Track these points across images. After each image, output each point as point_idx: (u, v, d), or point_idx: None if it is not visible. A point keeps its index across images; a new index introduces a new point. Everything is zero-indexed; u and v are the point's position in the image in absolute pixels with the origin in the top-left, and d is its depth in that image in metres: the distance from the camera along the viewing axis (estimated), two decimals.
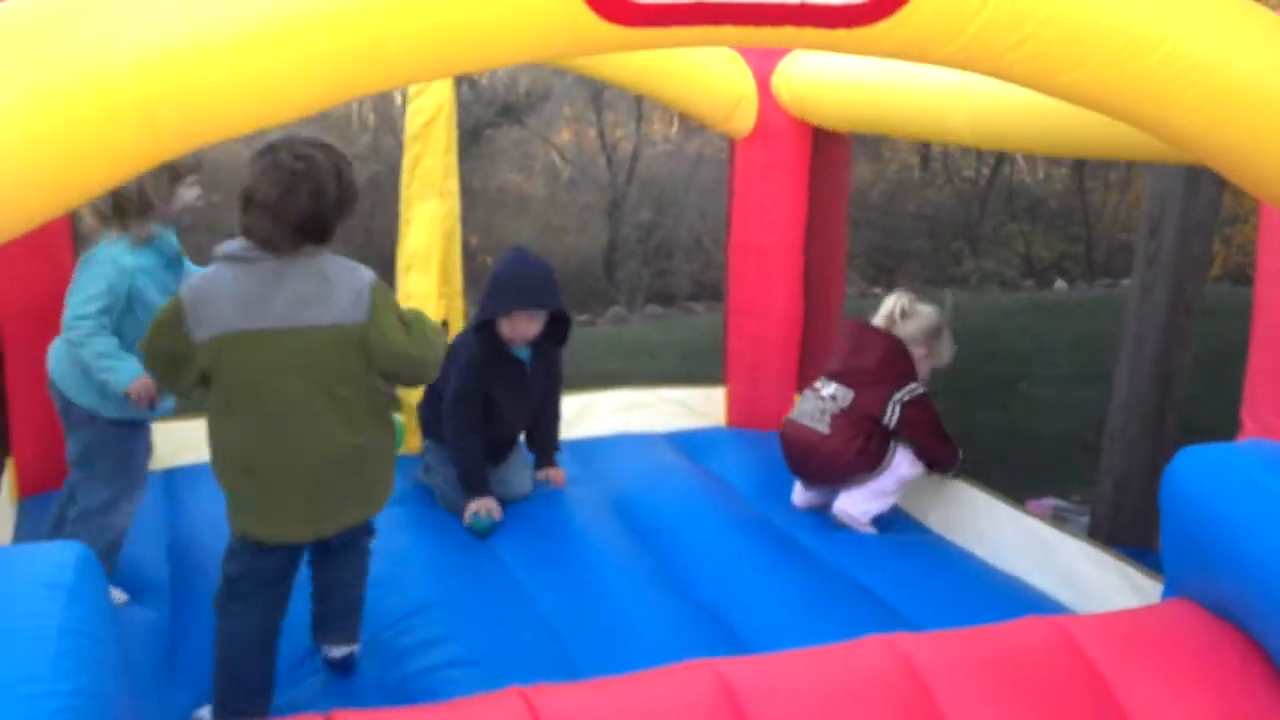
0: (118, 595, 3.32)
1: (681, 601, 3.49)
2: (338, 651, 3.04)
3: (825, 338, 4.89)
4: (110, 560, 3.32)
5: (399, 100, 20.05)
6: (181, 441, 4.51)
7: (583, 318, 12.01)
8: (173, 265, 3.39)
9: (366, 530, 2.98)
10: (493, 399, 4.10)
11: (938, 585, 3.53)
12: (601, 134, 17.38)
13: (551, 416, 4.37)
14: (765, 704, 2.20)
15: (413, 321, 2.72)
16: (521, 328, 4.01)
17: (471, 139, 15.92)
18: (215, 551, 2.90)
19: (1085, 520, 4.99)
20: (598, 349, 8.81)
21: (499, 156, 17.79)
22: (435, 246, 4.51)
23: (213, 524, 3.79)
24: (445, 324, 4.66)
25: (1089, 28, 2.17)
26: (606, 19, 2.03)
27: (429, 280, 4.51)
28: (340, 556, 2.96)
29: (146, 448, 3.50)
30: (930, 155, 18.01)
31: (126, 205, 3.22)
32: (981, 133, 3.65)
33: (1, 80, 1.79)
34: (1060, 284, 12.96)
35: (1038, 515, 4.39)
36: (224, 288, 2.59)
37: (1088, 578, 3.46)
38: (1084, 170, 15.73)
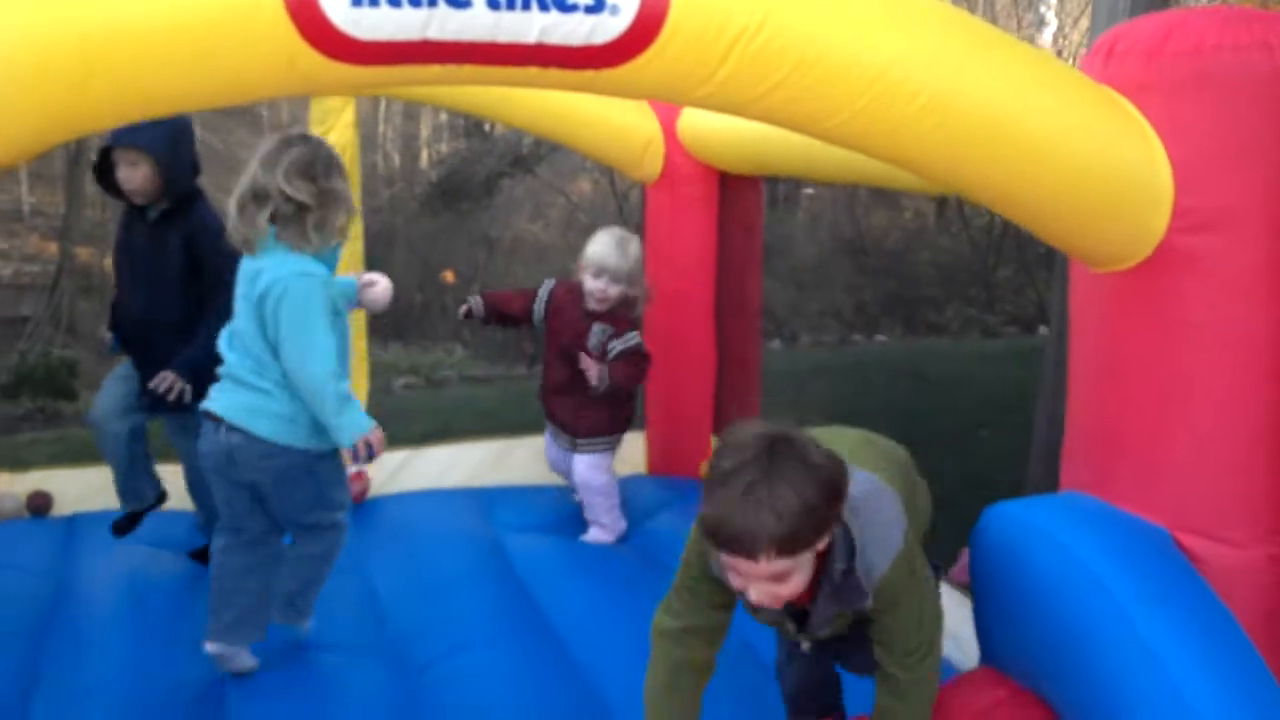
0: None
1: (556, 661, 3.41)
2: None
3: (742, 380, 4.82)
4: None
5: (425, 155, 20.42)
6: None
7: None
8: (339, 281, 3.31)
9: None
10: (117, 269, 3.89)
11: None
12: (613, 182, 17.44)
13: (195, 334, 3.66)
14: None
15: None
16: (125, 174, 3.66)
17: (485, 190, 16.05)
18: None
19: None
20: None
21: (513, 207, 17.95)
22: None
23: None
24: None
25: (843, 74, 2.11)
26: (329, 57, 1.99)
27: None
28: None
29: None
30: (946, 203, 17.93)
31: (326, 208, 3.08)
32: (876, 172, 3.56)
33: None
34: (1044, 330, 12.75)
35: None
36: None
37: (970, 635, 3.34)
38: None
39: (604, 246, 4.17)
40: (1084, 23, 15.48)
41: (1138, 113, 2.25)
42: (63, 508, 4.54)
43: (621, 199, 17.12)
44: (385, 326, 11.16)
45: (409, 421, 7.71)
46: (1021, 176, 2.22)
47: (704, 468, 2.11)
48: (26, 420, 9.22)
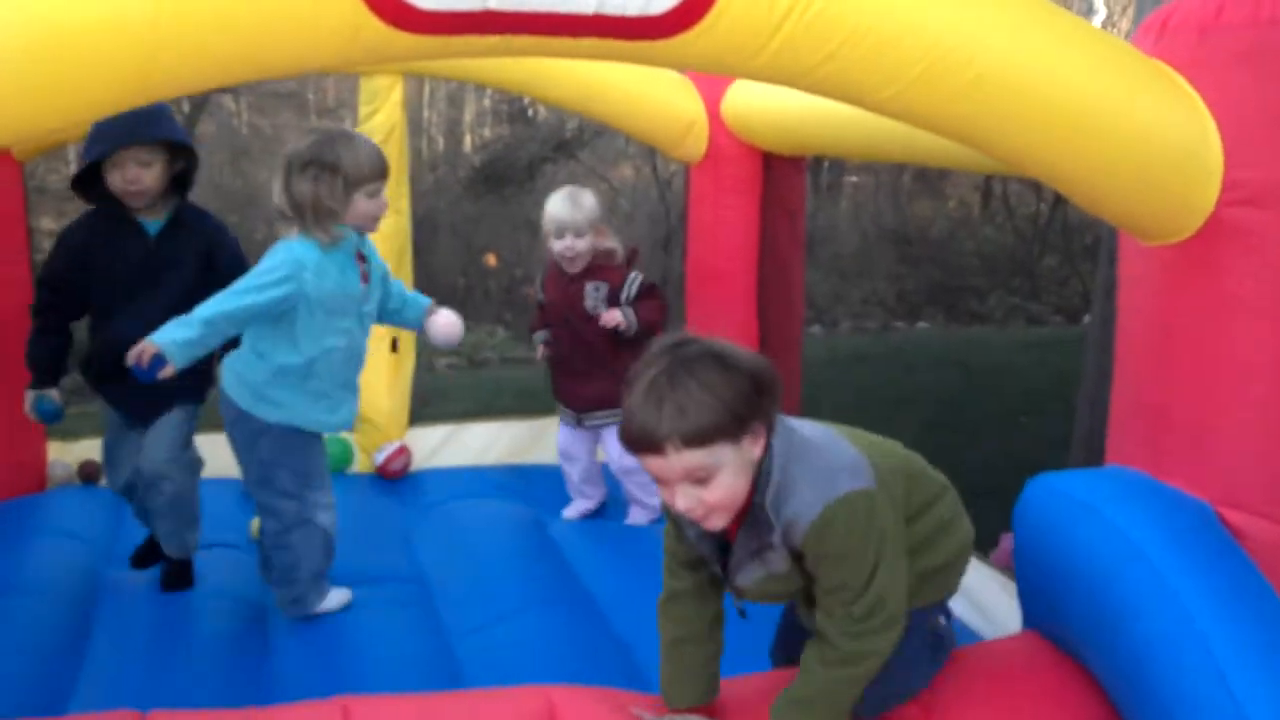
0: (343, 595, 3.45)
1: (594, 629, 3.46)
2: None
3: (783, 364, 4.82)
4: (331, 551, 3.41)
5: (469, 140, 20.55)
6: None
7: None
8: (352, 266, 3.28)
9: None
10: (108, 293, 3.47)
11: None
12: (655, 168, 17.46)
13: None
14: None
15: None
16: (134, 174, 3.35)
17: (527, 175, 16.13)
18: None
19: None
20: None
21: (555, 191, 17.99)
22: (388, 264, 4.56)
23: None
24: (395, 343, 4.70)
25: (895, 47, 2.13)
26: (393, 26, 2.03)
27: None
28: None
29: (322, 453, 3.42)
30: (991, 193, 17.81)
31: (302, 210, 3.15)
32: (920, 149, 3.57)
33: None
34: (1089, 319, 12.69)
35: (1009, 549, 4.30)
36: None
37: (998, 605, 3.37)
38: None
39: (555, 205, 4.16)
40: (1133, 10, 15.35)
41: (1189, 86, 2.26)
42: None
43: (664, 185, 17.13)
44: None
45: (451, 400, 7.80)
46: (1072, 147, 2.23)
47: None
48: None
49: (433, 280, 11.99)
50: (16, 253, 4.28)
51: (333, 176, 3.13)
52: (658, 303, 4.18)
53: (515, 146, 18.14)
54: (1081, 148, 2.23)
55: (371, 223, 3.28)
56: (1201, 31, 2.25)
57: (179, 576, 3.64)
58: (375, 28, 2.02)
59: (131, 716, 2.28)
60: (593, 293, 4.17)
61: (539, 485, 4.74)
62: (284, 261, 3.13)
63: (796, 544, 2.11)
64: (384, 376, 4.72)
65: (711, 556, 2.25)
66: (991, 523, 4.70)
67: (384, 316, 3.53)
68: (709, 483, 2.02)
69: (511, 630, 3.43)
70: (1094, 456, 4.53)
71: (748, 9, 2.07)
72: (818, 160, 17.51)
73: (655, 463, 2.03)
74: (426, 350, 7.02)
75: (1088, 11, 17.38)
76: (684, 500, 2.05)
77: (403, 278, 4.65)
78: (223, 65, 2.03)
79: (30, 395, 3.50)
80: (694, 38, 2.11)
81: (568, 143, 17.51)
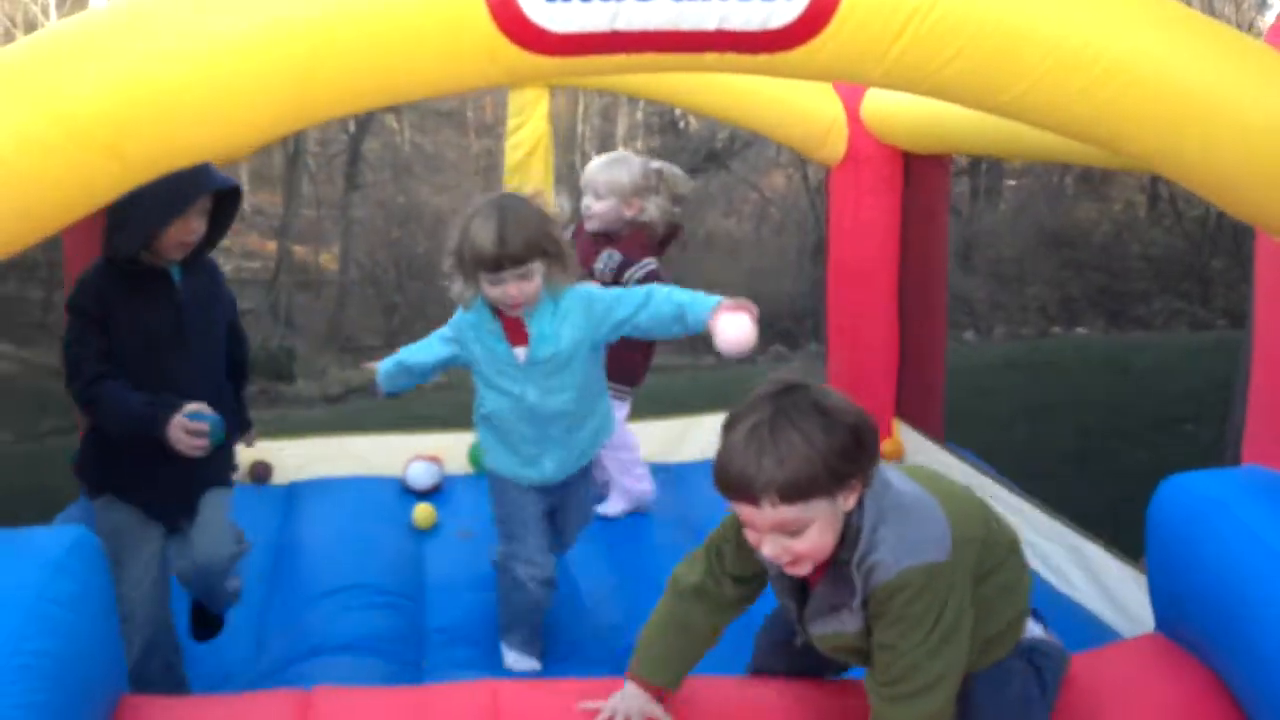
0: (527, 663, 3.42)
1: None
2: None
3: (926, 363, 4.82)
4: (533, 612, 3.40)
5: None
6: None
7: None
8: (497, 337, 3.19)
9: None
10: (136, 354, 2.93)
11: None
12: (806, 177, 17.46)
13: (239, 375, 3.32)
14: None
15: None
16: (197, 225, 2.95)
17: None
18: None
19: None
20: None
21: (707, 202, 18.14)
22: None
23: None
24: None
25: (1018, 45, 2.16)
26: (526, 49, 2.15)
27: None
28: None
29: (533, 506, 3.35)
30: (1158, 195, 17.29)
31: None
32: (1064, 146, 3.53)
33: None
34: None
35: None
36: None
37: (1132, 601, 3.33)
38: None
39: (594, 163, 4.08)
40: None
41: None
42: (281, 477, 4.92)
43: (814, 193, 17.13)
44: None
45: None
46: (1201, 143, 2.22)
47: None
48: (249, 401, 9.85)
49: None
50: None
51: (457, 250, 3.10)
52: None
53: (667, 157, 18.25)
54: (1211, 143, 2.21)
55: (505, 308, 3.10)
56: None
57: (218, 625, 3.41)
58: (510, 51, 2.15)
59: (296, 693, 2.44)
60: (606, 259, 4.01)
61: (685, 481, 4.82)
62: (454, 322, 3.28)
63: (867, 594, 2.10)
64: None
65: (789, 599, 2.25)
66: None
67: (655, 333, 3.26)
68: (802, 534, 2.02)
69: None
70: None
71: (868, 19, 2.13)
72: (975, 164, 17.23)
73: (748, 511, 2.02)
74: None
75: (1260, 5, 16.74)
76: (771, 548, 2.04)
77: None
78: (371, 89, 2.19)
79: (176, 420, 2.83)
80: (815, 49, 2.18)
81: (718, 153, 17.64)
